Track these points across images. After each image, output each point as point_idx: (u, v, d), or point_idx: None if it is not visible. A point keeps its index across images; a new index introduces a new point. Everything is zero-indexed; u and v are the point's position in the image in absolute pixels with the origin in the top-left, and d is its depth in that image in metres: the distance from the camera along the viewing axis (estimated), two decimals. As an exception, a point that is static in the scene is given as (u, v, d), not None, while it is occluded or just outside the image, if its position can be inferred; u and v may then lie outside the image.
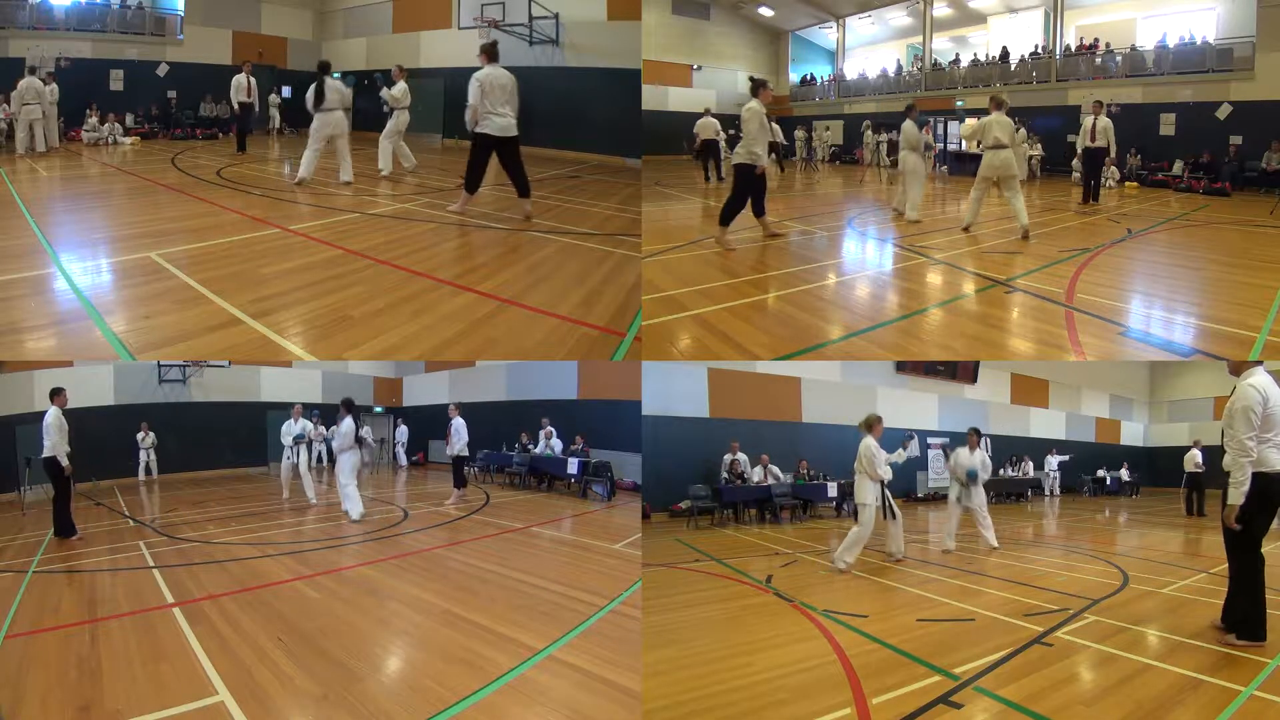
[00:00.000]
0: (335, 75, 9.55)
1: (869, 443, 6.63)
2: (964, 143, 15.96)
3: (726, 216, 7.60)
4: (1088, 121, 11.61)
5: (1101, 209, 11.12)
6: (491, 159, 7.60)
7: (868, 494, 6.60)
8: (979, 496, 7.78)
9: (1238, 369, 4.05)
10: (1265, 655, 3.90)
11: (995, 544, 7.71)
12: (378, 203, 8.73)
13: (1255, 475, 3.85)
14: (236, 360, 12.49)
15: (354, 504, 8.01)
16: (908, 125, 9.83)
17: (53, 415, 7.00)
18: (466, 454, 9.92)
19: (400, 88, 10.65)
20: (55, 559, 6.05)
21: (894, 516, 6.78)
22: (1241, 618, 4.05)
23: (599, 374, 12.20)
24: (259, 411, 14.04)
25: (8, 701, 3.21)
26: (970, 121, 16.97)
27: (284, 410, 10.55)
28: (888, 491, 6.73)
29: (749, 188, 7.60)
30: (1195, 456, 12.14)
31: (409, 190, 9.64)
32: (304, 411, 10.08)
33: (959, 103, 18.51)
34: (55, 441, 6.93)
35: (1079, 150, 12.51)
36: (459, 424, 9.71)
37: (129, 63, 15.58)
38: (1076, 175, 13.73)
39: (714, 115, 14.11)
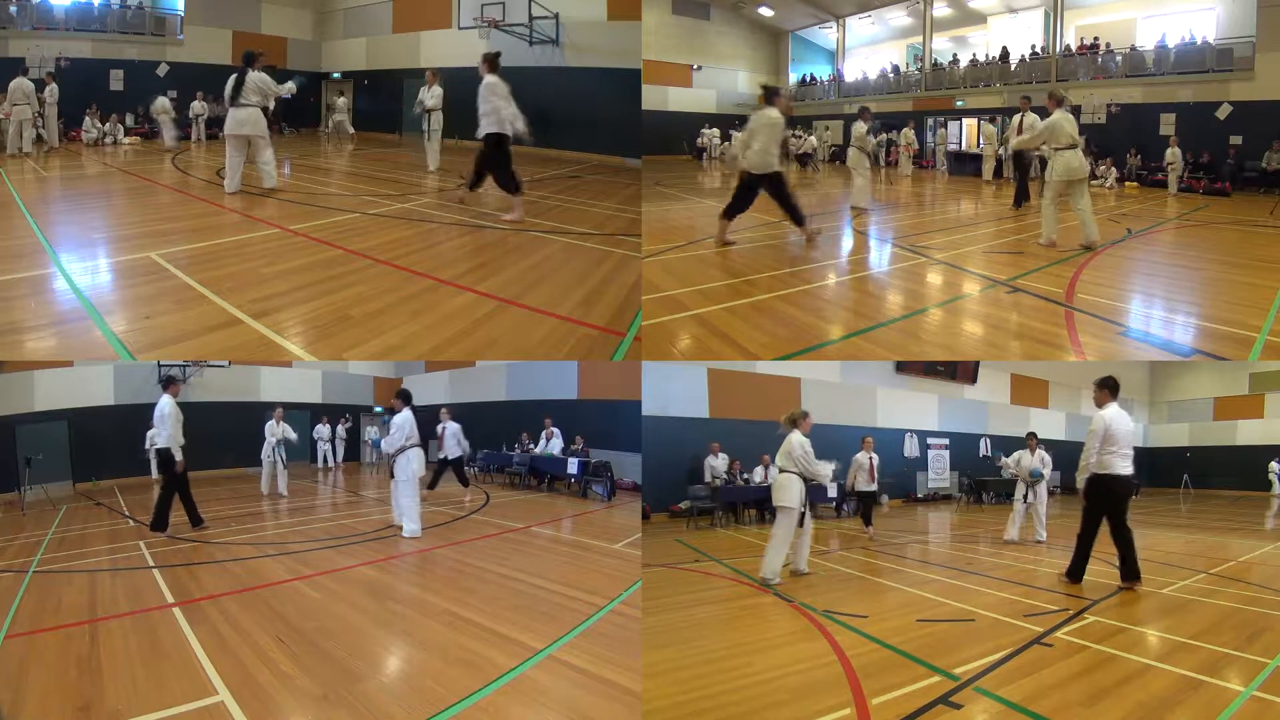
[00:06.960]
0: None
1: (800, 439, 5.97)
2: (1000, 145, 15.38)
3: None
4: (1015, 119, 10.98)
5: (1029, 212, 10.27)
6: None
7: (794, 496, 5.90)
8: (1042, 494, 8.61)
9: (1100, 401, 5.63)
10: (1265, 655, 3.91)
11: (1044, 538, 8.39)
12: (378, 203, 8.73)
13: (1100, 476, 5.53)
14: (236, 360, 12.49)
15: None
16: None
17: (166, 404, 6.85)
18: (461, 455, 10.65)
19: (436, 92, 11.08)
20: (55, 559, 6.05)
21: (802, 526, 6.06)
22: (1075, 568, 5.83)
23: (599, 374, 12.20)
24: (259, 411, 14.02)
25: (8, 701, 3.21)
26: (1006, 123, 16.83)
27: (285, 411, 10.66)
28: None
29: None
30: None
31: (410, 190, 9.65)
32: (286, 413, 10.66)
33: (959, 103, 18.51)
34: (171, 432, 6.82)
35: (1010, 151, 12.44)
36: (454, 427, 10.49)
37: (129, 63, 15.58)
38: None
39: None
